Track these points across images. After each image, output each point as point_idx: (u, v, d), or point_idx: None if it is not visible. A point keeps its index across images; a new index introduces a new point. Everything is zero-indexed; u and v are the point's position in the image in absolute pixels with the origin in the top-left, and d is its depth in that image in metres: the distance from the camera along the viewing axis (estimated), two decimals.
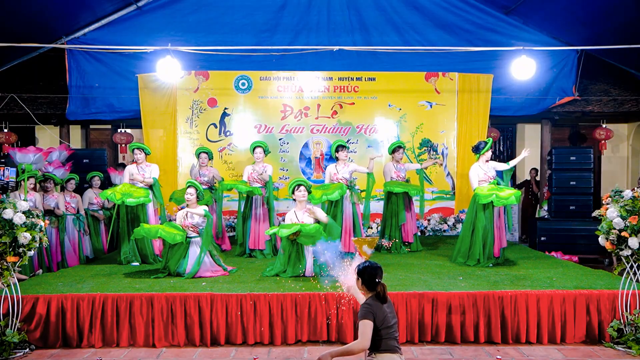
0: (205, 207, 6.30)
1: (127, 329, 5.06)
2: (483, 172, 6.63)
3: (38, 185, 7.19)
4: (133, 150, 7.21)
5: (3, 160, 7.02)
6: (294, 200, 6.21)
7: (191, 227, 6.15)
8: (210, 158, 8.14)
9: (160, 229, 6.03)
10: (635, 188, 5.36)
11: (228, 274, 6.10)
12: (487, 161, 6.73)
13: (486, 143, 6.75)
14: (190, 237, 6.13)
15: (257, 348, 5.00)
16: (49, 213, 6.95)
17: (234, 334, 5.06)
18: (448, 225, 9.21)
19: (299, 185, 6.16)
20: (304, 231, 5.69)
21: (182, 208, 6.46)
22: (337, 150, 7.34)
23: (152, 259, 7.00)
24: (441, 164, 9.23)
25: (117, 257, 7.07)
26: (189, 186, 6.31)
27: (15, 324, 4.92)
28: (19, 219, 4.84)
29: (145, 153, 7.25)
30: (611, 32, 8.09)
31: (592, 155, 8.73)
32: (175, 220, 6.31)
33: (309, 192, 6.26)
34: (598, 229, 5.08)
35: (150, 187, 7.16)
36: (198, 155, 8.01)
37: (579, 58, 9.10)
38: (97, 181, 8.12)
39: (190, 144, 9.01)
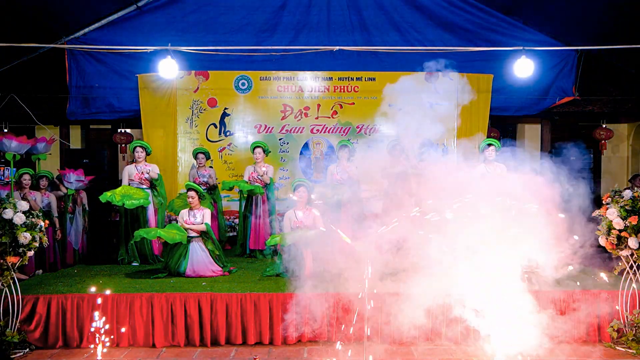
0: (209, 215, 6.36)
1: (127, 329, 5.06)
2: (486, 171, 6.64)
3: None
4: (134, 148, 7.20)
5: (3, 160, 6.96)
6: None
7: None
8: (208, 158, 8.14)
9: (159, 230, 6.05)
10: (636, 188, 5.37)
11: (228, 274, 6.11)
12: (490, 162, 6.72)
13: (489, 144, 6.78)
14: (192, 237, 6.15)
15: (257, 348, 5.01)
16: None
17: (234, 334, 5.06)
18: None
19: (300, 186, 6.20)
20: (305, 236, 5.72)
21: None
22: (338, 150, 7.46)
23: (151, 259, 7.01)
24: None
25: (117, 257, 7.08)
26: (188, 189, 6.33)
27: (15, 324, 4.92)
28: (19, 219, 4.84)
29: (146, 152, 7.25)
30: (611, 32, 8.08)
31: (592, 155, 8.72)
32: (176, 220, 6.33)
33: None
34: (598, 229, 5.08)
35: (151, 186, 7.16)
36: (195, 156, 8.01)
37: (579, 58, 9.09)
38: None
39: (190, 144, 9.00)
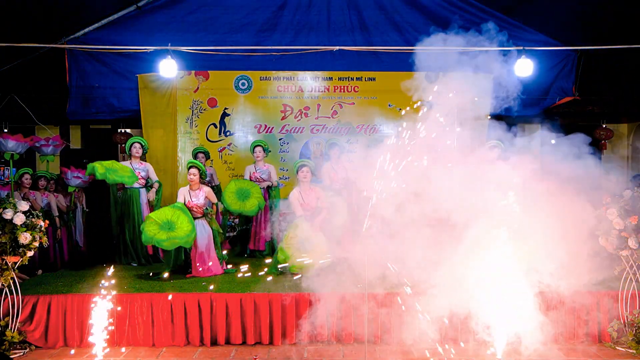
0: (212, 193, 6.46)
1: (127, 329, 5.06)
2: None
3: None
4: (132, 144, 7.19)
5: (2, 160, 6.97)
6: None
7: (195, 208, 6.18)
8: (208, 158, 8.14)
9: (172, 237, 5.85)
10: (636, 187, 5.36)
11: (223, 272, 6.12)
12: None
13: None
14: (195, 218, 6.17)
15: (257, 348, 5.01)
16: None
17: (234, 334, 5.06)
18: None
19: (303, 166, 6.27)
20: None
21: None
22: (329, 148, 7.48)
23: (145, 260, 6.98)
24: None
25: (115, 257, 7.06)
26: (190, 166, 6.36)
27: (16, 324, 4.93)
28: (19, 219, 4.84)
29: (144, 150, 7.26)
30: (611, 32, 8.08)
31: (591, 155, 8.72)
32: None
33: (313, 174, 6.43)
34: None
35: (146, 185, 7.16)
36: (195, 156, 8.01)
37: (579, 58, 9.09)
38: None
39: (190, 144, 9.00)
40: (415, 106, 5.69)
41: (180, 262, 6.22)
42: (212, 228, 6.22)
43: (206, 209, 6.28)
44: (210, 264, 6.08)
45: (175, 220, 5.91)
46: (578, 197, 4.71)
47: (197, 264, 6.05)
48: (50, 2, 7.65)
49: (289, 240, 5.80)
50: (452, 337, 5.06)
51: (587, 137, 5.01)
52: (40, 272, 6.64)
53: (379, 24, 9.05)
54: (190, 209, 6.13)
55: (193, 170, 6.31)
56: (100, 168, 6.68)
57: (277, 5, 8.85)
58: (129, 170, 6.94)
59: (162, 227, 5.88)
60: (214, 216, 6.44)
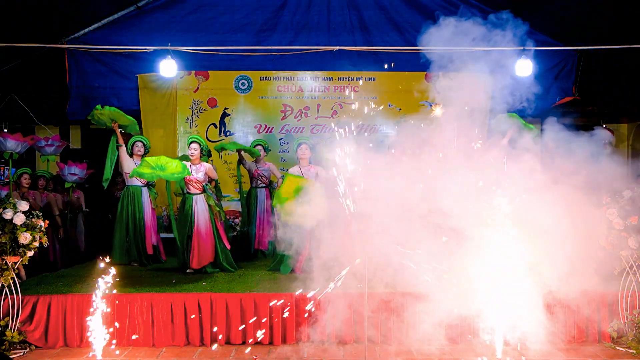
0: (212, 169, 6.53)
1: (127, 329, 5.06)
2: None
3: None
4: (134, 143, 7.21)
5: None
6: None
7: (195, 182, 6.19)
8: (209, 156, 8.15)
9: (155, 172, 5.90)
10: (636, 187, 5.36)
11: (218, 271, 6.17)
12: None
13: None
14: (193, 194, 6.17)
15: (257, 348, 5.00)
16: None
17: (234, 334, 5.06)
18: None
19: (302, 143, 6.45)
20: None
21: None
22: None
23: (145, 260, 6.98)
24: None
25: (114, 257, 7.04)
26: (191, 142, 6.44)
27: (16, 324, 4.93)
28: (19, 219, 4.84)
29: (145, 149, 7.27)
30: (611, 32, 8.08)
31: None
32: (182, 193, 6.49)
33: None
34: None
35: (147, 184, 7.17)
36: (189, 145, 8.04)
37: (579, 58, 9.09)
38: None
39: None
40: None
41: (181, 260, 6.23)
42: (209, 205, 6.23)
43: (205, 184, 6.31)
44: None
45: (169, 166, 5.98)
46: (582, 196, 4.71)
47: (195, 248, 6.08)
48: (50, 2, 7.65)
49: (285, 186, 5.78)
50: (452, 337, 5.06)
51: (609, 133, 4.99)
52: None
53: (379, 24, 9.05)
54: (189, 183, 6.22)
55: (194, 145, 6.38)
56: (99, 107, 6.82)
57: (277, 5, 8.86)
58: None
59: (153, 169, 5.95)
60: (213, 192, 6.47)
